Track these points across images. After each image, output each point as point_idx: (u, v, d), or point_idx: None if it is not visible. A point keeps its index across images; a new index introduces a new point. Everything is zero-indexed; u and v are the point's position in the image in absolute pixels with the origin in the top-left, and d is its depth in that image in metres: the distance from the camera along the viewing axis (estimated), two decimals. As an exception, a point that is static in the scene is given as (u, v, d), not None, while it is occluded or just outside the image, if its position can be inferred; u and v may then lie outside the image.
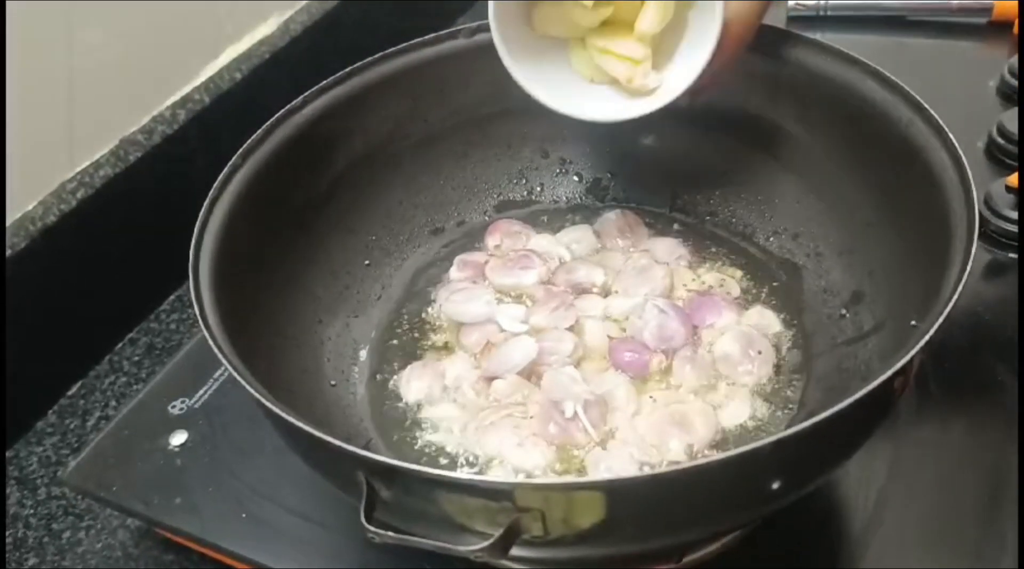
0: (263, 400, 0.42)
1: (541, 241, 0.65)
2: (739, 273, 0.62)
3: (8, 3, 0.63)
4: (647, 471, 0.49)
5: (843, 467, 0.48)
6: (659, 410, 0.53)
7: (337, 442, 0.40)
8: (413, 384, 0.58)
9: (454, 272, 0.64)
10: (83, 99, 0.70)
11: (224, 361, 0.44)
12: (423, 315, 0.63)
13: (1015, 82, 0.78)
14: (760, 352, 0.56)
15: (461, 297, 0.61)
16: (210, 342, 0.45)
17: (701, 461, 0.41)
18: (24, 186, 0.67)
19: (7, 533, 0.63)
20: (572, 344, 0.56)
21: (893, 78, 0.53)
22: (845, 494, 0.54)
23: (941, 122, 0.50)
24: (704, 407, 0.53)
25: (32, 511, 0.64)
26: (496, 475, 0.51)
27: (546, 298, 0.60)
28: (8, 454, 0.68)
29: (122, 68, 0.72)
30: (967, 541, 0.52)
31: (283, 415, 0.42)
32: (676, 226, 0.66)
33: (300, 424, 0.41)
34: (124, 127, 0.74)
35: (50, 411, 0.71)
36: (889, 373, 0.41)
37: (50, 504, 0.65)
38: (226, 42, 0.80)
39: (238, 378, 0.43)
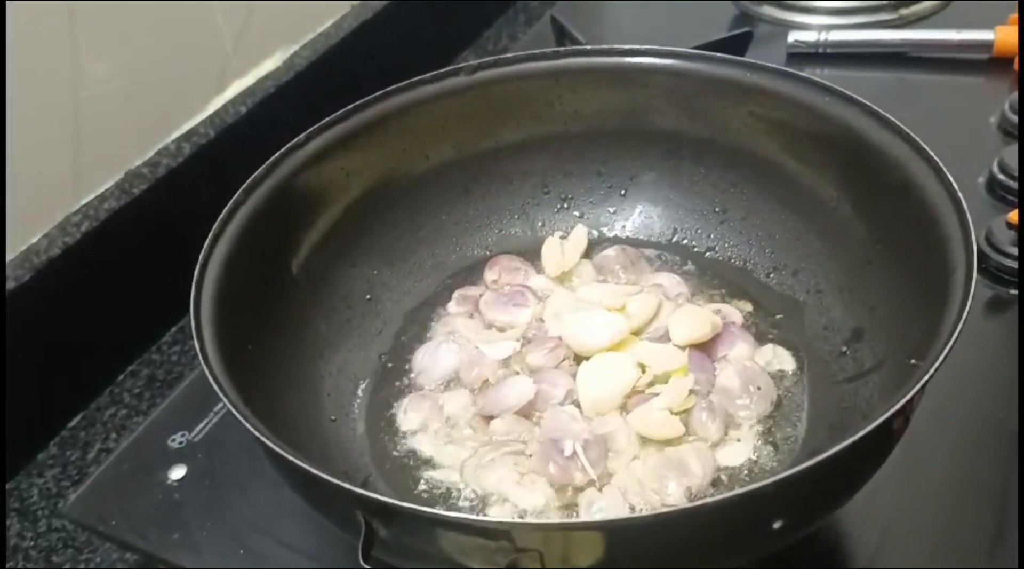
0: (261, 437, 0.42)
1: (539, 280, 0.65)
2: (740, 309, 0.62)
3: (14, 34, 0.63)
4: (646, 512, 0.49)
5: (845, 506, 0.48)
6: (655, 454, 0.53)
7: (335, 480, 0.40)
8: (410, 415, 0.58)
9: (452, 307, 0.64)
10: (88, 132, 0.71)
11: (223, 398, 0.44)
12: (423, 349, 0.63)
13: (1016, 118, 0.78)
14: (759, 388, 0.56)
15: (429, 348, 0.61)
16: (210, 379, 0.45)
17: (700, 502, 0.41)
18: (28, 219, 0.68)
19: (7, 565, 0.63)
20: (567, 387, 0.56)
21: (891, 118, 0.54)
22: (850, 527, 0.54)
23: (939, 162, 0.50)
24: (700, 448, 0.53)
25: (32, 543, 0.64)
26: (494, 515, 0.51)
27: (542, 338, 0.60)
28: (9, 486, 0.68)
29: (128, 101, 0.73)
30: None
31: (281, 452, 0.42)
32: (676, 262, 0.66)
33: (298, 462, 0.41)
34: (129, 160, 0.74)
35: (51, 443, 0.71)
36: (888, 413, 0.41)
37: (50, 536, 0.65)
38: (231, 77, 0.81)
39: (236, 414, 0.43)
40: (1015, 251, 0.67)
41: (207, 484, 0.59)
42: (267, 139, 0.58)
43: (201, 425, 0.63)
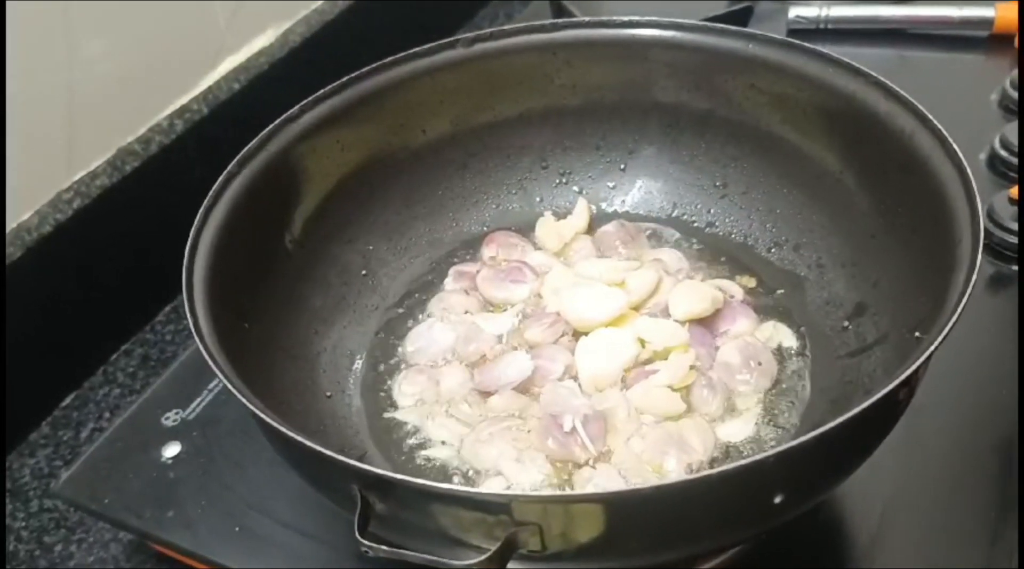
0: (257, 411, 0.42)
1: (537, 256, 0.64)
2: (740, 285, 0.62)
3: (9, 14, 0.62)
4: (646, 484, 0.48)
5: (847, 481, 0.47)
6: (655, 429, 0.52)
7: (331, 453, 0.40)
8: (407, 390, 0.57)
9: (449, 283, 0.64)
10: (81, 109, 0.70)
11: (216, 370, 0.44)
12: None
13: (1017, 95, 0.77)
14: (760, 363, 0.56)
15: (424, 328, 0.61)
16: (203, 351, 0.45)
17: (701, 474, 0.40)
18: (20, 196, 0.67)
19: (-2, 546, 0.62)
20: (566, 362, 0.55)
21: (897, 89, 0.53)
22: (851, 507, 0.54)
23: (945, 132, 0.50)
24: (701, 424, 0.53)
25: (24, 524, 0.64)
26: (493, 487, 0.51)
27: (540, 314, 0.59)
28: (0, 466, 0.67)
29: (121, 78, 0.72)
30: (973, 553, 0.51)
31: (277, 426, 0.41)
32: (676, 237, 0.66)
33: (294, 435, 0.41)
34: (121, 137, 0.74)
35: (43, 422, 0.70)
36: (892, 386, 0.40)
37: (42, 517, 0.64)
38: (225, 53, 0.80)
39: (230, 387, 0.43)
40: (1017, 226, 0.66)
41: (202, 462, 0.59)
42: (260, 116, 0.58)
43: (195, 403, 0.62)
